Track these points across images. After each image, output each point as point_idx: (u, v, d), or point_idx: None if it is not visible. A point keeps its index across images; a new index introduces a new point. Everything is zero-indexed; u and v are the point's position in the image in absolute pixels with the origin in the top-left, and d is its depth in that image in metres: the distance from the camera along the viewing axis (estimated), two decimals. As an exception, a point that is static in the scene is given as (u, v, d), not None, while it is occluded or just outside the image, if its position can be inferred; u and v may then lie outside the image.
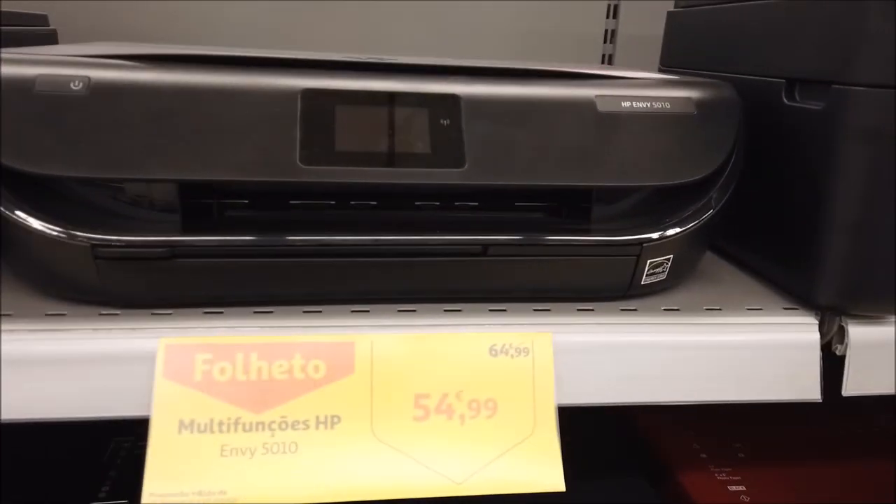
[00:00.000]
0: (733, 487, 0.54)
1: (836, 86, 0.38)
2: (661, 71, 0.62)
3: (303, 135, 0.36)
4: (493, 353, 0.37)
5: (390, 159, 0.37)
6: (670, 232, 0.39)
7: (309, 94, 0.37)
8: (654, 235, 0.39)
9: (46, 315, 0.36)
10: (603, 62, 0.86)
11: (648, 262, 0.39)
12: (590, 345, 0.38)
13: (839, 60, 0.38)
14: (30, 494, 0.50)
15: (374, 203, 0.42)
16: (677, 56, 0.61)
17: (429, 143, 0.38)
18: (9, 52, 0.36)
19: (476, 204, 0.44)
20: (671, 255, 0.40)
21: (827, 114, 0.39)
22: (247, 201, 0.41)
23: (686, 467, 0.56)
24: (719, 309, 0.41)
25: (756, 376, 0.39)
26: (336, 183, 0.37)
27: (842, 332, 0.40)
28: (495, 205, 0.44)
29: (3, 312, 0.36)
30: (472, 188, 0.42)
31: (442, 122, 0.39)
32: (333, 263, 0.37)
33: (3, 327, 0.35)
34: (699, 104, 0.41)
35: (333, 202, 0.42)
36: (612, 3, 0.85)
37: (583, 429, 0.62)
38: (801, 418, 0.61)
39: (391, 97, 0.38)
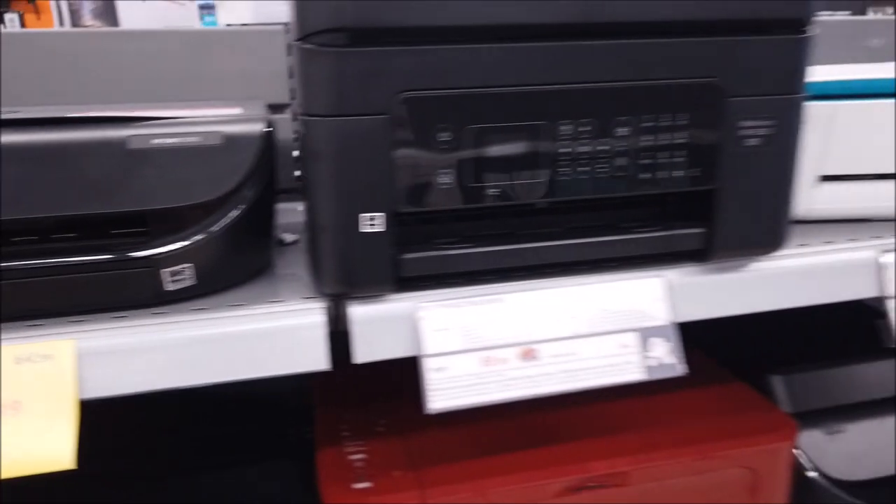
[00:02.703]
0: (355, 457, 0.62)
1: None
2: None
3: None
4: (19, 361, 0.44)
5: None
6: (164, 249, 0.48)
7: None
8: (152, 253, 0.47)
9: None
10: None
11: (162, 272, 0.47)
12: (118, 346, 0.46)
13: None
14: None
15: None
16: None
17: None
18: None
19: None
20: (191, 264, 0.48)
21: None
22: None
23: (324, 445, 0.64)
24: (242, 304, 0.50)
25: (269, 355, 0.48)
26: None
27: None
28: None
29: None
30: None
31: None
32: None
33: None
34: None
35: None
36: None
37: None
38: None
39: None
